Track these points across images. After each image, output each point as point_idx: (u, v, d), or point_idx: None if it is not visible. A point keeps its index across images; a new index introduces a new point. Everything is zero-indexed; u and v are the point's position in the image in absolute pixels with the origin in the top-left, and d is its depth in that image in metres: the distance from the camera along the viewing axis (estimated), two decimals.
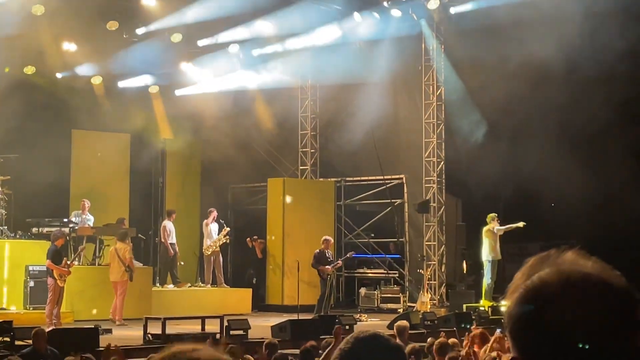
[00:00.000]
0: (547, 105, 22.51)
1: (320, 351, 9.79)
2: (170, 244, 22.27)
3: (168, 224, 22.49)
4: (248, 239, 24.25)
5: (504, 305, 1.67)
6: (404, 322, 13.38)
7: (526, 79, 20.95)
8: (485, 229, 21.42)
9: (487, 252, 21.28)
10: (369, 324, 19.98)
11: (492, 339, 10.35)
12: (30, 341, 12.30)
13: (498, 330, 10.69)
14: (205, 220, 23.05)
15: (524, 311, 1.60)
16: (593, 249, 1.64)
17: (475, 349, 10.52)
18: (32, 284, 18.70)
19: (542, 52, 19.96)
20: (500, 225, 21.33)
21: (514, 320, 1.62)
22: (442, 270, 24.93)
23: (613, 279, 1.61)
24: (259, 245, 24.35)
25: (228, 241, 22.94)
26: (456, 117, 24.63)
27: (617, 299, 1.59)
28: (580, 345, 1.55)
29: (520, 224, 21.37)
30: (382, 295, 23.93)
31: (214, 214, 23.00)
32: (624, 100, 22.12)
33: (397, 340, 11.24)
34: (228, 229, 22.77)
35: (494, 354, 9.65)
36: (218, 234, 22.77)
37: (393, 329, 13.06)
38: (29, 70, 23.12)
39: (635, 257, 22.54)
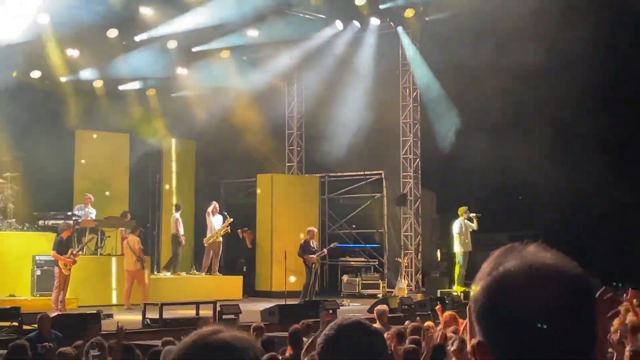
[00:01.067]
0: (517, 104, 22.54)
1: (304, 339, 9.76)
2: (182, 235, 22.40)
3: (177, 216, 22.49)
4: (239, 230, 24.22)
5: (473, 291, 1.68)
6: (383, 307, 13.40)
7: (497, 80, 20.94)
8: (455, 222, 21.44)
9: (457, 244, 21.32)
10: (350, 308, 19.99)
11: (465, 322, 10.37)
12: (35, 326, 12.27)
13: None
14: (208, 210, 22.85)
15: (489, 298, 1.62)
16: (557, 239, 1.66)
17: (449, 332, 10.53)
18: (38, 272, 18.64)
19: (511, 54, 19.96)
20: (470, 217, 21.32)
21: (480, 306, 1.63)
22: (419, 258, 24.99)
23: (570, 268, 1.62)
24: (249, 237, 24.36)
25: (230, 231, 22.82)
26: (432, 117, 24.70)
27: (574, 286, 1.60)
28: (540, 328, 1.56)
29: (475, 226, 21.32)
30: (363, 282, 23.95)
31: (216, 207, 22.87)
32: (591, 97, 22.16)
33: (377, 324, 11.28)
34: (231, 219, 22.66)
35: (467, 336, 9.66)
36: (221, 225, 22.62)
37: (373, 312, 13.07)
38: (35, 74, 23.06)
39: (596, 243, 22.68)
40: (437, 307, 12.72)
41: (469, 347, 8.04)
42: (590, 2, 19.03)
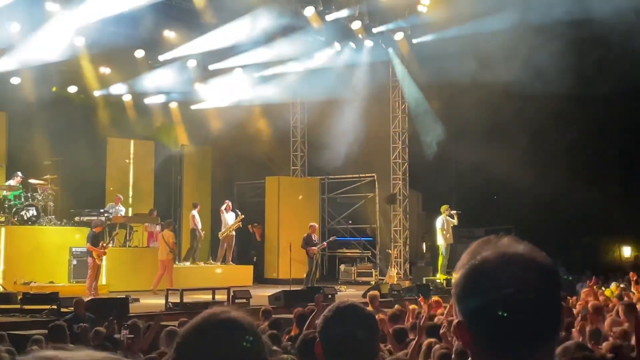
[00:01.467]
0: (495, 115, 22.52)
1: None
2: (199, 230, 22.29)
3: (195, 214, 22.40)
4: (249, 225, 24.19)
5: (454, 278, 1.68)
6: (375, 292, 13.43)
7: (476, 94, 20.95)
8: (438, 218, 21.43)
9: (440, 237, 21.31)
10: (347, 293, 19.96)
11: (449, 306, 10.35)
12: (72, 308, 12.26)
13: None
14: (221, 208, 22.81)
15: (467, 283, 1.61)
16: (528, 232, 1.66)
17: (432, 312, 10.50)
18: (74, 262, 18.63)
19: (488, 70, 19.93)
20: (451, 214, 21.30)
21: (459, 290, 1.63)
22: (406, 250, 24.99)
23: (540, 258, 1.62)
24: (258, 231, 24.34)
25: (241, 226, 22.78)
26: (418, 128, 24.71)
27: (542, 273, 1.61)
28: (510, 309, 1.56)
29: (455, 221, 21.30)
30: (358, 271, 23.93)
31: (229, 205, 22.83)
32: (560, 109, 22.15)
33: (370, 307, 11.26)
34: (242, 216, 22.62)
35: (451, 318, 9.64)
36: (234, 221, 22.58)
37: (366, 297, 13.06)
38: (72, 89, 23.06)
39: (561, 237, 22.68)
40: (419, 299, 12.64)
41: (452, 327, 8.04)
42: (558, 24, 18.94)
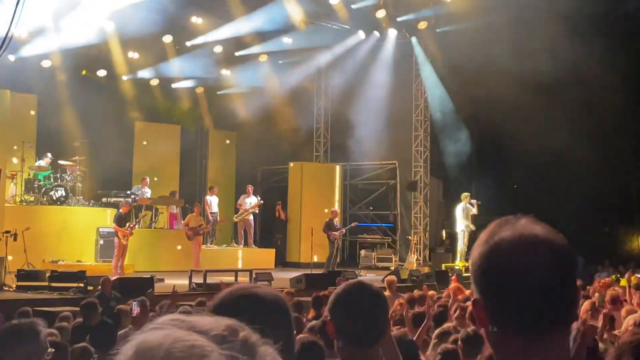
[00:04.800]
0: (514, 105, 22.36)
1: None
2: (211, 213, 22.08)
3: (208, 198, 22.36)
4: (278, 207, 24.12)
5: (471, 257, 1.69)
6: (392, 277, 13.43)
7: (496, 83, 20.80)
8: (458, 206, 21.40)
9: (459, 224, 21.29)
10: (367, 278, 19.99)
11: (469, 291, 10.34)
12: (99, 287, 12.37)
13: None
14: (242, 195, 22.81)
15: (484, 262, 1.62)
16: (547, 222, 1.66)
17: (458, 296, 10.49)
18: (101, 242, 18.79)
19: (511, 61, 19.76)
20: (472, 202, 21.25)
21: (476, 269, 1.63)
22: (426, 236, 24.95)
23: (556, 239, 1.62)
24: (283, 211, 24.31)
25: (257, 210, 22.77)
26: (439, 116, 24.64)
27: (559, 254, 1.61)
28: (526, 288, 1.57)
29: (475, 210, 21.25)
30: (378, 256, 23.95)
31: (250, 189, 22.78)
32: (585, 98, 21.87)
33: (387, 291, 11.24)
34: (262, 201, 22.61)
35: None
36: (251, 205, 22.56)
37: (384, 282, 13.08)
38: (101, 73, 23.19)
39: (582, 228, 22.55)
40: (452, 278, 12.52)
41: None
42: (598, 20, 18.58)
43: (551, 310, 1.58)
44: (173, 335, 1.06)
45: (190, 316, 1.12)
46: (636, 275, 17.22)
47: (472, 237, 21.16)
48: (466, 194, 21.49)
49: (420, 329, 7.02)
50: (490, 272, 1.60)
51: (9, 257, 15.36)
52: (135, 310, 8.62)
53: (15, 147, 19.31)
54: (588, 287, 13.34)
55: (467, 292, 10.52)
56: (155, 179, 22.82)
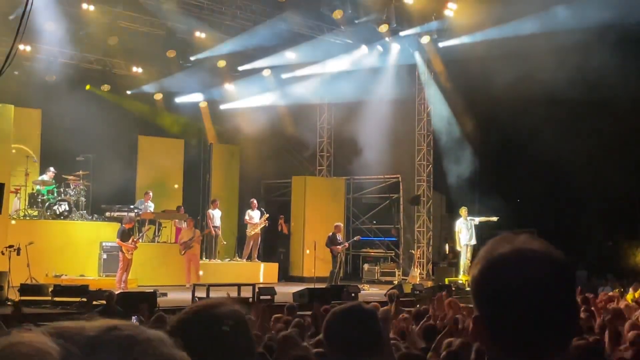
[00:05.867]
0: (517, 118, 22.39)
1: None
2: (214, 226, 22.14)
3: (210, 211, 22.41)
4: (280, 220, 24.16)
5: (470, 274, 1.69)
6: (394, 291, 13.41)
7: (499, 97, 20.82)
8: (457, 221, 21.49)
9: (460, 238, 21.31)
10: (369, 292, 19.98)
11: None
12: (102, 301, 12.35)
13: None
14: (247, 210, 22.84)
15: (483, 278, 1.62)
16: (550, 236, 1.66)
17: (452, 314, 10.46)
18: (105, 256, 18.79)
19: (513, 75, 19.78)
20: (469, 216, 21.30)
21: (476, 285, 1.63)
22: (429, 251, 24.94)
23: (555, 255, 1.62)
24: (286, 225, 24.33)
25: (267, 224, 22.77)
26: (442, 130, 24.63)
27: (558, 270, 1.61)
28: (525, 304, 1.57)
29: (494, 218, 21.34)
30: (381, 270, 23.92)
31: (254, 203, 22.80)
32: (585, 114, 21.86)
33: (390, 306, 11.19)
34: (267, 214, 22.62)
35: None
36: (259, 219, 22.55)
37: (386, 296, 13.04)
38: (105, 87, 23.25)
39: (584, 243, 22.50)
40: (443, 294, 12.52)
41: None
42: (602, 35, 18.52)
43: (551, 326, 1.57)
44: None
45: (79, 322, 1.08)
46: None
47: (475, 252, 21.16)
48: (464, 207, 21.52)
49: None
50: (490, 288, 1.61)
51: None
52: None
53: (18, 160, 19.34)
54: (592, 299, 13.28)
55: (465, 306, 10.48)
56: (161, 192, 22.85)
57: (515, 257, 1.60)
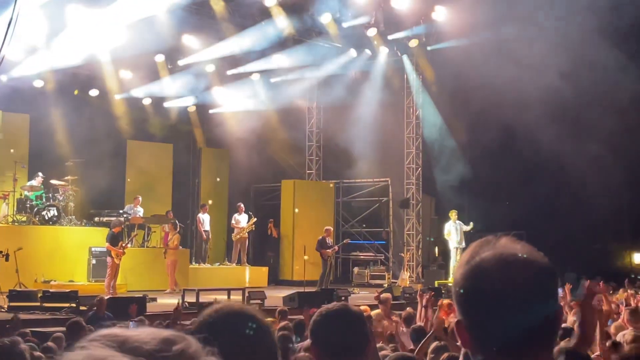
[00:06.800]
0: (506, 121, 22.43)
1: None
2: (204, 230, 22.27)
3: (200, 216, 22.49)
4: (270, 223, 24.17)
5: (452, 278, 1.70)
6: (387, 294, 13.38)
7: (487, 100, 20.87)
8: (446, 224, 21.59)
9: (449, 241, 21.45)
10: (359, 295, 19.97)
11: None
12: (91, 307, 12.31)
13: None
14: (234, 214, 22.89)
15: (465, 282, 1.63)
16: (539, 239, 1.68)
17: (443, 315, 10.48)
18: (94, 261, 18.73)
19: (502, 78, 19.82)
20: (458, 220, 21.47)
21: (458, 290, 1.64)
22: (419, 254, 24.95)
23: (537, 257, 1.63)
24: (275, 229, 24.33)
25: (254, 228, 22.81)
26: (431, 133, 24.68)
27: (539, 273, 1.62)
28: (507, 308, 1.58)
29: (469, 228, 21.45)
30: (371, 273, 23.92)
31: (241, 207, 22.86)
32: (573, 117, 21.93)
33: (381, 309, 11.19)
34: (255, 218, 22.65)
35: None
36: (247, 223, 22.60)
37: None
38: (94, 92, 23.20)
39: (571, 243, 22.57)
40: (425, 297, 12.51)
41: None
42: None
43: (533, 330, 1.58)
44: (93, 355, 1.03)
45: (126, 330, 1.09)
46: (629, 291, 17.26)
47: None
48: (454, 211, 21.61)
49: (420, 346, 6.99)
50: (472, 292, 1.61)
51: None
52: None
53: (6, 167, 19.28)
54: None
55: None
56: (150, 196, 22.83)
57: (497, 261, 1.61)
